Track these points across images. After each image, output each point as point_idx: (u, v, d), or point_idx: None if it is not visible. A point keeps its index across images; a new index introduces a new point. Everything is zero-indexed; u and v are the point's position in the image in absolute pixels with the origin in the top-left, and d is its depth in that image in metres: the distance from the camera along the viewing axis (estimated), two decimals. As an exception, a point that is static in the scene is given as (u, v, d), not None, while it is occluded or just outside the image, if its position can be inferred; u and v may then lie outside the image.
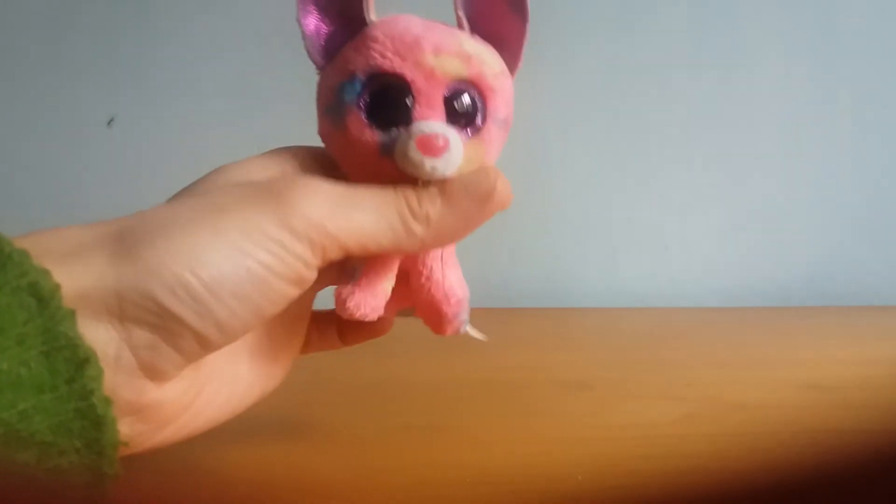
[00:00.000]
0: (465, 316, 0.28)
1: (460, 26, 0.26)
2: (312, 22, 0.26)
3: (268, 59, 0.63)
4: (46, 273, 0.19)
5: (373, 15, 0.26)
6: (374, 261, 0.27)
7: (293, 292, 0.23)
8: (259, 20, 0.63)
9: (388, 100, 0.25)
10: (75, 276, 0.20)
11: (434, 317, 0.28)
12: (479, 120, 0.25)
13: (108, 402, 0.20)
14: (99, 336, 0.20)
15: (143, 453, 0.23)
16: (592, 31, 0.66)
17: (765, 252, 0.69)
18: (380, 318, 0.27)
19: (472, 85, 0.25)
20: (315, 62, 0.27)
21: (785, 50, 0.67)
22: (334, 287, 0.27)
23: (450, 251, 0.28)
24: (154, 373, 0.21)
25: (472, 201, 0.25)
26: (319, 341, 0.31)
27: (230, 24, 0.64)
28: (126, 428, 0.21)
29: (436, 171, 0.24)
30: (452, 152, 0.24)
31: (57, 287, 0.19)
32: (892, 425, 0.36)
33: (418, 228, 0.24)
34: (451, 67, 0.25)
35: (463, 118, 0.25)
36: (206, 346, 0.22)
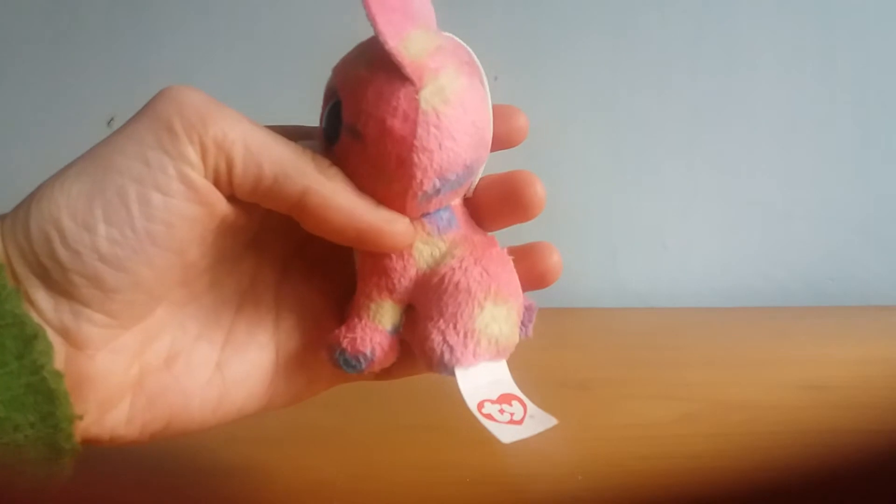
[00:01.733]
0: (339, 360, 0.24)
1: None
2: None
3: (267, 60, 0.63)
4: None
5: None
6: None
7: (189, 209, 0.21)
8: (259, 21, 0.63)
9: None
10: None
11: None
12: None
13: (59, 375, 0.20)
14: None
15: (108, 446, 0.22)
16: (592, 30, 0.66)
17: (764, 252, 0.69)
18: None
19: (337, 95, 0.23)
20: None
21: (785, 49, 0.67)
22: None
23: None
24: (70, 336, 0.20)
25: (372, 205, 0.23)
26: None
27: (230, 24, 0.64)
28: None
29: None
30: None
31: (1, 267, 0.19)
32: (892, 425, 0.36)
33: (313, 177, 0.22)
34: (329, 86, 0.24)
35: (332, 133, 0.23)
36: (104, 288, 0.20)
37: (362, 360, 0.24)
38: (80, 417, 0.20)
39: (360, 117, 0.22)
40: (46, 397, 0.19)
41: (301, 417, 0.35)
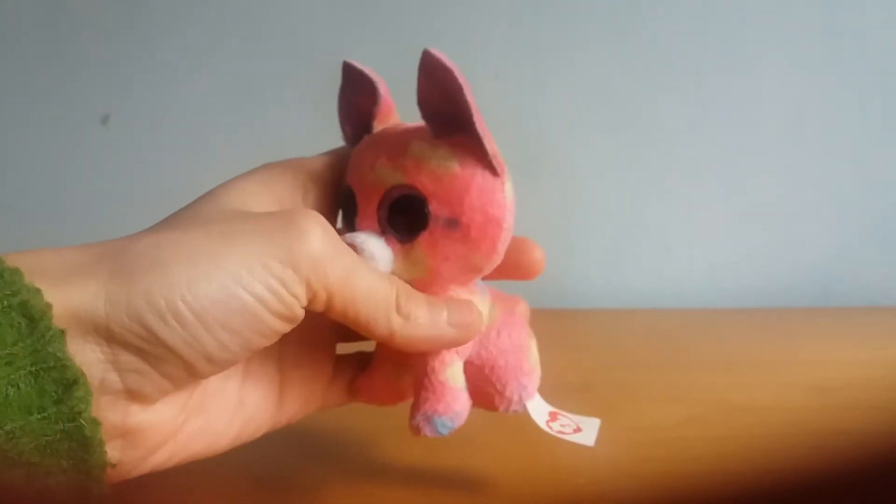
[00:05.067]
0: (436, 425, 0.27)
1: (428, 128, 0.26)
2: (349, 132, 0.29)
3: (264, 57, 0.63)
4: (37, 292, 0.19)
5: (375, 128, 0.28)
6: (386, 349, 0.28)
7: (284, 328, 0.23)
8: (256, 18, 0.63)
9: (347, 210, 0.27)
10: (68, 295, 0.19)
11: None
12: (419, 223, 0.25)
13: (95, 423, 0.20)
14: (85, 357, 0.19)
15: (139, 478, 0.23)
16: (597, 32, 0.66)
17: (770, 252, 0.69)
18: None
19: (411, 189, 0.25)
20: None
21: (789, 50, 0.66)
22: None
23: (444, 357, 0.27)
24: (138, 396, 0.21)
25: (447, 322, 0.26)
26: (330, 396, 0.30)
27: (227, 21, 0.64)
28: (115, 452, 0.21)
29: None
30: (370, 261, 0.25)
31: (48, 307, 0.19)
32: (900, 427, 0.36)
33: (396, 321, 0.24)
34: (386, 177, 0.25)
35: (402, 223, 0.26)
36: (193, 373, 0.21)
37: (455, 419, 0.27)
38: (114, 466, 0.21)
39: (462, 209, 0.25)
40: (81, 445, 0.19)
41: (301, 420, 0.35)
